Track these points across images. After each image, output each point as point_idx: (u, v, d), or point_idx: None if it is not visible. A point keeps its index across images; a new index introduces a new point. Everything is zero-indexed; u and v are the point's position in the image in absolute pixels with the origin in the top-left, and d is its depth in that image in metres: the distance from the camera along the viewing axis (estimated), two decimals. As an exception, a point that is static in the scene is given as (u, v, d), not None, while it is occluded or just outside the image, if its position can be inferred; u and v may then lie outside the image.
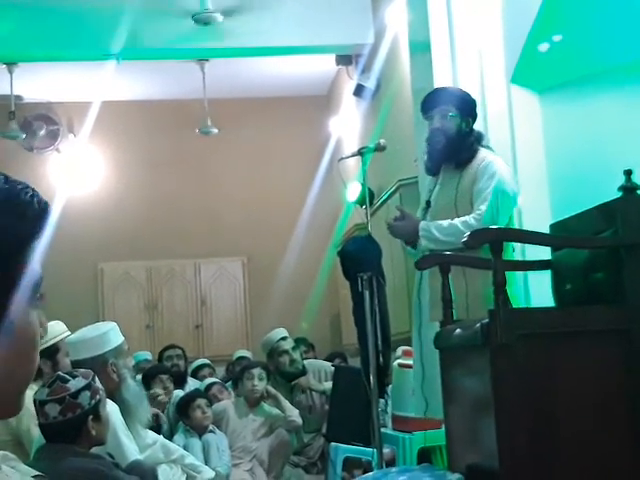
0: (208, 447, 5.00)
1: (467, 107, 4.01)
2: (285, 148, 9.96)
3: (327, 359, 7.03)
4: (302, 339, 7.50)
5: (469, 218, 3.74)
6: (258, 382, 5.39)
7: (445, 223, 3.80)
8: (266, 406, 5.45)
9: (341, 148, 8.71)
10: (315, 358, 7.11)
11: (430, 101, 4.00)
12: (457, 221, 3.78)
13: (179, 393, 5.66)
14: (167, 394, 5.53)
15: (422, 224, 3.87)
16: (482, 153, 3.96)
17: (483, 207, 3.74)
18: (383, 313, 3.93)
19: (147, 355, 7.46)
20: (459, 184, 3.88)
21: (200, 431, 5.11)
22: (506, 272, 2.78)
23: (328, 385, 5.59)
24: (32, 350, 0.94)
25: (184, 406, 5.21)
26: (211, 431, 5.15)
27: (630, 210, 2.72)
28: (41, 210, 0.93)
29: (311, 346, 7.70)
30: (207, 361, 7.49)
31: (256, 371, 5.43)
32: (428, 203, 3.97)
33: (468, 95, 4.17)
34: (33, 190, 0.94)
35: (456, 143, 3.90)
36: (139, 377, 5.47)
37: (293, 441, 5.46)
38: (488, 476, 2.72)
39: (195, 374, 7.09)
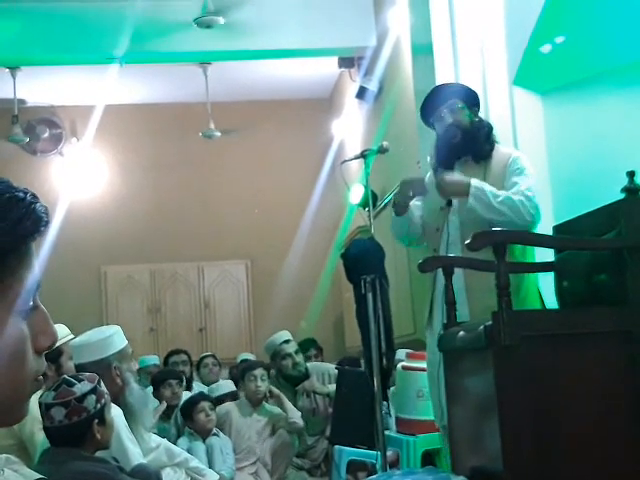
0: (212, 450, 5.00)
1: (471, 97, 3.95)
2: (288, 151, 9.96)
3: (339, 364, 6.99)
4: (311, 341, 7.44)
5: (525, 201, 3.57)
6: (261, 383, 5.42)
7: (500, 194, 3.60)
8: (268, 406, 5.46)
9: (344, 151, 8.71)
10: (322, 361, 7.09)
11: (435, 100, 3.91)
12: (515, 197, 3.59)
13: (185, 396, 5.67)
14: (176, 399, 5.52)
15: (474, 181, 3.63)
16: (502, 148, 3.90)
17: (535, 200, 3.62)
18: (386, 315, 3.92)
19: (155, 360, 7.43)
20: (486, 179, 3.73)
21: (204, 434, 5.11)
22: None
23: (332, 387, 5.59)
24: (11, 361, 0.91)
25: (188, 409, 5.21)
26: (215, 434, 5.15)
27: (633, 211, 2.72)
28: (38, 216, 0.93)
29: (320, 350, 7.62)
30: (210, 353, 7.61)
31: (258, 372, 5.46)
32: (450, 202, 3.80)
33: (468, 87, 4.11)
34: (34, 196, 0.94)
35: (472, 134, 3.81)
36: (150, 388, 5.50)
37: (295, 442, 5.47)
38: (492, 478, 2.72)
39: (198, 365, 7.24)
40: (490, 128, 3.90)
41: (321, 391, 5.75)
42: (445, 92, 3.94)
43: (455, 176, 3.71)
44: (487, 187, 3.63)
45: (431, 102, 3.95)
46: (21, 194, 0.93)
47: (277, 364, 5.83)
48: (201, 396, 5.46)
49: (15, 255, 0.91)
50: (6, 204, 0.91)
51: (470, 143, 3.82)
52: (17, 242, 0.91)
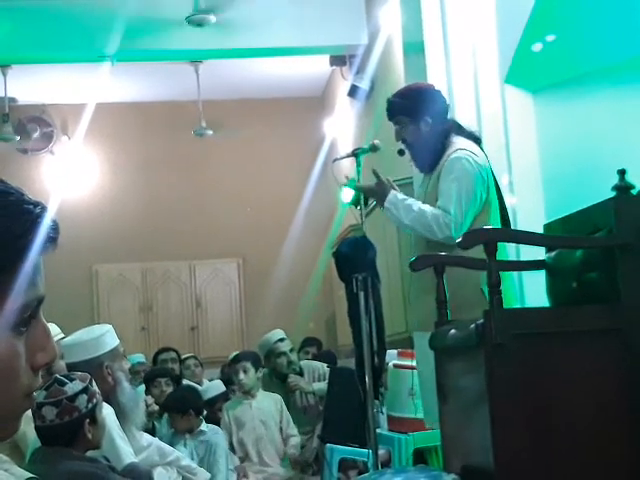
0: (216, 447, 4.96)
1: (418, 109, 3.82)
2: (280, 149, 9.96)
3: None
4: (314, 339, 7.32)
5: (441, 216, 3.56)
6: (243, 376, 5.40)
7: (415, 207, 3.63)
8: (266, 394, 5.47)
9: (336, 149, 8.70)
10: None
11: (387, 112, 3.97)
12: (429, 211, 3.59)
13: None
14: (163, 397, 5.51)
15: (391, 196, 3.67)
16: (449, 149, 3.72)
17: (451, 209, 3.57)
18: (378, 314, 3.92)
19: (141, 357, 7.44)
20: (428, 183, 3.77)
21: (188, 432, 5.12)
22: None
23: (318, 386, 5.59)
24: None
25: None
26: (202, 431, 5.13)
27: (624, 210, 2.72)
28: (40, 230, 0.90)
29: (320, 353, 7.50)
30: (191, 354, 7.59)
31: (240, 365, 5.44)
32: None
33: (415, 98, 3.88)
34: (44, 209, 0.91)
35: (418, 149, 3.82)
36: (142, 387, 5.50)
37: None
38: (483, 476, 2.72)
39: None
40: (445, 134, 3.76)
41: (306, 389, 5.72)
42: (391, 107, 3.95)
43: (371, 185, 3.78)
44: (402, 204, 3.66)
45: (387, 112, 3.99)
46: (30, 207, 0.89)
47: (272, 363, 5.81)
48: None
49: (10, 271, 0.88)
50: (10, 216, 0.87)
51: (416, 157, 3.87)
52: (14, 257, 0.87)
